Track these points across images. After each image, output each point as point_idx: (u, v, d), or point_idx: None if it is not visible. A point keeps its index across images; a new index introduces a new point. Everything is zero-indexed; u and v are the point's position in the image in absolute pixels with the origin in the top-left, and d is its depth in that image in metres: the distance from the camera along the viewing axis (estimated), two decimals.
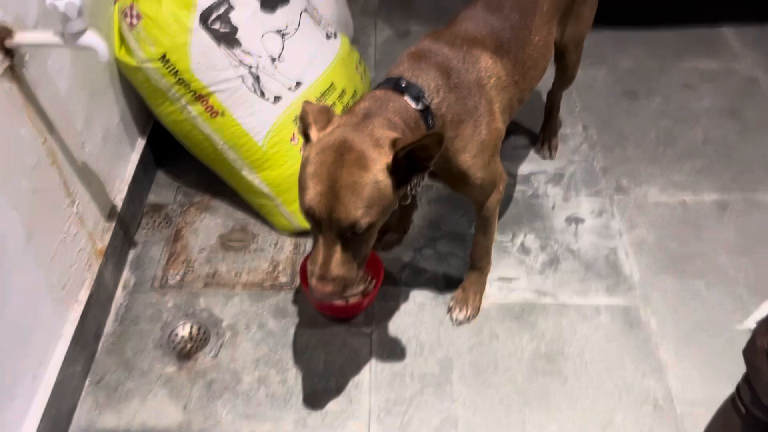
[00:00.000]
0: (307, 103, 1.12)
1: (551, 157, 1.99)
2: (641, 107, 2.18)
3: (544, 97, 1.99)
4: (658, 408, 1.43)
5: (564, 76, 1.78)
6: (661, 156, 2.00)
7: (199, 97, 1.58)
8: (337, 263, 1.09)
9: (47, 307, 1.32)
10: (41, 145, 1.30)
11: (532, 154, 2.01)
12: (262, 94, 1.60)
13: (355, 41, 2.34)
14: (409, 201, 1.32)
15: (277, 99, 1.62)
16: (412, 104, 1.15)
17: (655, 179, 1.93)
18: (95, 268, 1.52)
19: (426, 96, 1.16)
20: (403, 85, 1.16)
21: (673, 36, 2.47)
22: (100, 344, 1.53)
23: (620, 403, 1.44)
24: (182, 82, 1.55)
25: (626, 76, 2.30)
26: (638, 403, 1.44)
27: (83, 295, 1.46)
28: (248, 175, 1.67)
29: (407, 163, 1.07)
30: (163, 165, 1.95)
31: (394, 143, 1.05)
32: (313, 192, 1.06)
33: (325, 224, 1.07)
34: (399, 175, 1.08)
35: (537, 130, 2.04)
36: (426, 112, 1.16)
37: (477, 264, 1.57)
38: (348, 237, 1.08)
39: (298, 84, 1.65)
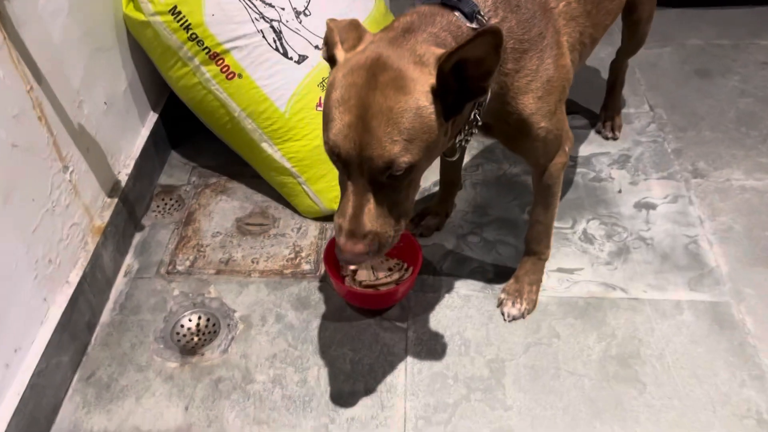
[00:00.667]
0: (331, 20, 0.91)
1: (615, 137, 1.74)
2: (716, 86, 1.92)
3: (603, 73, 1.76)
4: (763, 423, 1.15)
5: (634, 37, 1.53)
6: (744, 137, 1.74)
7: (214, 55, 1.39)
8: (371, 216, 0.87)
9: (27, 284, 1.13)
10: (26, 93, 1.12)
11: (592, 134, 1.77)
12: (285, 53, 1.41)
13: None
14: (456, 156, 1.11)
15: (302, 58, 1.42)
16: (465, 22, 0.92)
17: (739, 162, 1.67)
18: (91, 247, 1.32)
19: (482, 14, 0.93)
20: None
21: (745, 14, 2.21)
22: (95, 335, 1.32)
23: (715, 416, 1.17)
24: (195, 38, 1.37)
25: (695, 54, 2.05)
26: (737, 417, 1.17)
27: (74, 276, 1.26)
28: (268, 148, 1.47)
29: (458, 85, 0.84)
30: (178, 146, 1.77)
31: (440, 59, 0.83)
32: (339, 124, 0.84)
33: (354, 166, 0.85)
34: (448, 101, 0.85)
35: (597, 108, 1.80)
36: None
37: (534, 248, 1.33)
38: (383, 183, 0.87)
39: None
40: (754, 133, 1.75)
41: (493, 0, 0.95)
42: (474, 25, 0.92)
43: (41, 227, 1.17)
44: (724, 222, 1.51)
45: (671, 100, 1.88)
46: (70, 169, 1.26)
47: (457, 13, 0.92)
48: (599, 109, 1.79)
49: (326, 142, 0.87)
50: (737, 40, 2.10)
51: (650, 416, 1.17)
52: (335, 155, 0.86)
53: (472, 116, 0.98)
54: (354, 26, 0.91)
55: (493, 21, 0.94)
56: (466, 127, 0.99)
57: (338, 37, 0.89)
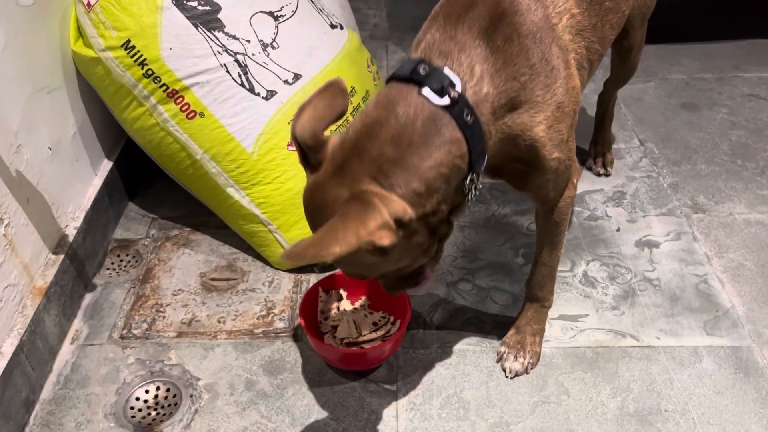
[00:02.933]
0: (292, 120, 0.83)
1: (607, 173, 1.64)
2: (705, 119, 1.84)
3: (589, 109, 1.67)
4: None
5: (625, 65, 1.43)
6: (741, 169, 1.65)
7: (173, 93, 1.26)
8: None
9: None
10: None
11: (584, 172, 1.66)
12: (252, 89, 1.28)
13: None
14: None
15: (270, 94, 1.30)
16: (435, 100, 0.79)
17: (740, 195, 1.57)
18: (30, 311, 1.15)
19: (456, 84, 0.80)
20: (422, 73, 0.80)
21: (725, 48, 2.17)
22: (33, 414, 1.13)
23: None
24: (151, 75, 1.24)
25: (680, 88, 1.98)
26: None
27: (9, 346, 1.08)
28: (235, 193, 1.33)
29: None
30: (135, 197, 1.62)
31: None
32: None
33: None
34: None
35: (585, 144, 1.70)
36: (457, 106, 0.79)
37: (537, 294, 1.19)
38: None
39: (296, 76, 1.33)
40: (751, 165, 1.66)
41: (468, 54, 0.82)
42: (444, 102, 0.79)
43: None
44: (734, 259, 1.40)
45: (661, 134, 1.79)
46: (5, 222, 1.10)
47: (425, 91, 0.79)
48: (588, 145, 1.69)
49: None
50: (721, 73, 2.04)
51: None
52: None
53: (467, 191, 0.87)
54: (314, 136, 0.82)
55: (470, 86, 0.81)
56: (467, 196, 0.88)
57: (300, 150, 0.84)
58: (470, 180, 0.85)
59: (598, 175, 1.64)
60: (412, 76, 0.80)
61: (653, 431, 1.09)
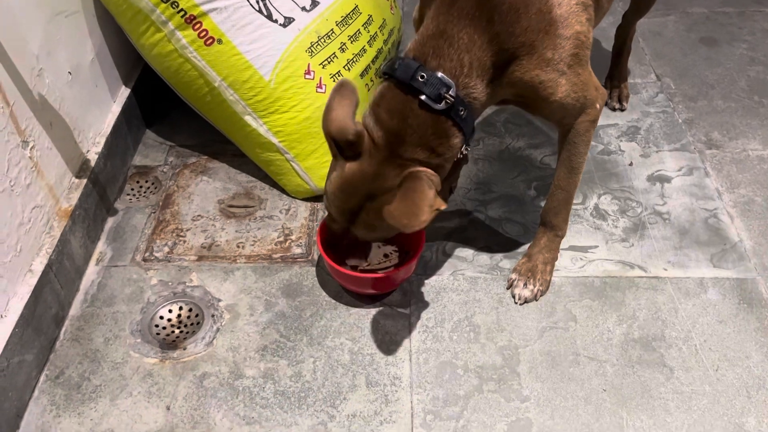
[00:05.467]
0: (322, 122, 0.98)
1: (622, 108, 1.64)
2: (724, 55, 1.82)
3: (604, 43, 1.65)
4: None
5: None
6: (758, 106, 1.64)
7: (191, 19, 1.25)
8: None
9: None
10: None
11: None
12: (270, 15, 1.28)
13: None
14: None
15: (288, 21, 1.29)
16: (435, 106, 0.94)
17: (755, 132, 1.57)
18: (57, 232, 1.18)
19: (450, 87, 0.94)
20: (420, 80, 0.94)
21: None
22: (63, 329, 1.19)
23: (750, 401, 1.07)
24: (169, 0, 1.23)
25: (700, 22, 1.95)
26: None
27: (38, 265, 1.13)
28: (253, 122, 1.34)
29: None
30: (153, 124, 1.63)
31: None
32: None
33: None
34: None
35: (601, 79, 1.69)
36: (453, 108, 0.95)
37: (552, 221, 1.21)
38: None
39: (314, 3, 1.32)
40: None
41: (457, 47, 0.93)
42: (442, 107, 0.94)
43: None
44: (744, 194, 1.42)
45: (678, 69, 1.78)
46: (31, 144, 1.13)
47: (425, 98, 0.94)
48: (604, 79, 1.68)
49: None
50: (742, 8, 2.00)
51: (680, 404, 1.07)
52: None
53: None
54: (344, 129, 0.96)
55: (461, 81, 0.95)
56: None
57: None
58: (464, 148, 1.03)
59: (613, 109, 1.64)
60: (412, 83, 0.94)
61: (656, 356, 1.14)
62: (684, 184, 1.45)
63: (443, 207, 0.91)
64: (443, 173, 1.00)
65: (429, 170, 0.95)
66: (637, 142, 1.56)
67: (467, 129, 0.99)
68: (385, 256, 1.28)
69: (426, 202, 0.90)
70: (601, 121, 1.61)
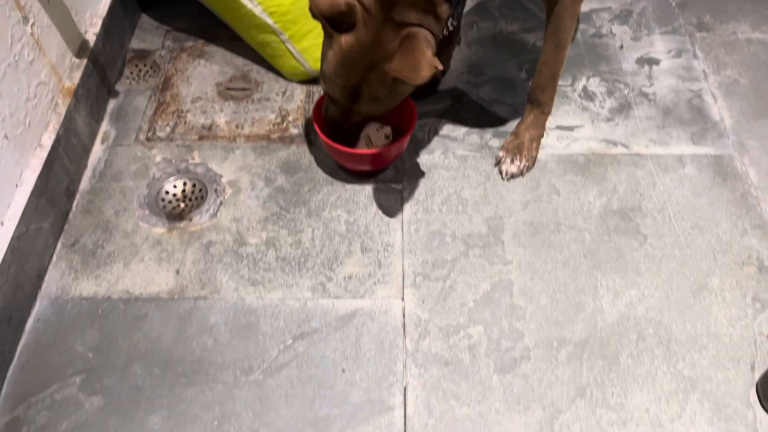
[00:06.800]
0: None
1: None
2: None
3: None
4: (764, 270, 1.15)
5: None
6: None
7: None
8: None
9: None
10: None
11: None
12: None
13: None
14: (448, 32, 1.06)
15: None
16: None
17: (746, 15, 1.58)
18: (62, 109, 1.23)
19: None
20: None
21: None
22: (75, 202, 1.26)
23: (715, 264, 1.16)
24: None
25: None
26: (738, 264, 1.16)
27: (47, 139, 1.18)
28: (247, 2, 1.35)
29: None
30: (148, 8, 1.63)
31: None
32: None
33: None
34: None
35: None
36: None
37: (539, 97, 1.26)
38: None
39: None
40: None
41: None
42: None
43: (5, 82, 1.07)
44: (730, 76, 1.45)
45: None
46: (31, 21, 1.15)
47: None
48: None
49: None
50: None
51: (651, 266, 1.16)
52: None
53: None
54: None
55: None
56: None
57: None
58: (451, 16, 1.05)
59: None
60: None
61: (632, 225, 1.22)
62: (672, 66, 1.48)
63: (441, 67, 0.94)
64: (435, 40, 1.03)
65: (425, 30, 0.98)
66: (629, 25, 1.57)
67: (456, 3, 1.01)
68: (386, 137, 1.33)
69: (425, 60, 0.93)
70: (594, 5, 1.62)
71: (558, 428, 0.98)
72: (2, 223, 1.05)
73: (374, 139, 1.32)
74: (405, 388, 1.03)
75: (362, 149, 1.26)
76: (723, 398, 1.01)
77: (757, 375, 1.03)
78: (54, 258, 1.18)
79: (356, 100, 1.09)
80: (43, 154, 1.16)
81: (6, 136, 1.07)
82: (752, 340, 1.07)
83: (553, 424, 0.99)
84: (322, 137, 1.23)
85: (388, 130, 1.34)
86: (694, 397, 1.01)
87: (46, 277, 1.15)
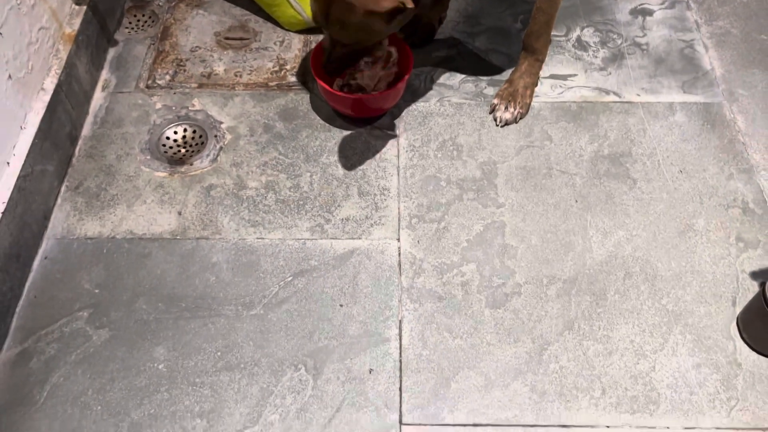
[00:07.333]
0: None
1: None
2: None
3: None
4: (749, 212, 1.19)
5: None
6: None
7: None
8: None
9: (1, 84, 1.07)
10: None
11: None
12: None
13: None
14: None
15: None
16: None
17: None
18: (63, 54, 1.25)
19: None
20: None
21: None
22: (77, 147, 1.28)
23: (701, 206, 1.20)
24: None
25: None
26: (723, 207, 1.19)
27: (50, 84, 1.20)
28: None
29: None
30: None
31: None
32: None
33: None
34: None
35: None
36: None
37: (533, 44, 1.28)
38: None
39: None
40: None
41: None
42: None
43: (8, 25, 1.08)
44: (722, 26, 1.47)
45: None
46: None
47: None
48: None
49: None
50: None
51: (639, 209, 1.20)
52: None
53: None
54: None
55: None
56: None
57: None
58: None
59: None
60: None
61: (622, 170, 1.25)
62: (665, 17, 1.50)
63: (409, 5, 0.94)
64: None
65: None
66: None
67: None
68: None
69: None
70: None
71: (546, 358, 1.03)
72: (8, 163, 1.08)
73: (380, 80, 1.33)
74: (400, 322, 1.07)
75: (357, 94, 1.29)
76: (704, 331, 1.06)
77: (738, 310, 1.07)
78: (59, 200, 1.21)
79: (328, 22, 1.08)
80: (45, 97, 1.18)
81: (10, 77, 1.09)
82: (734, 277, 1.11)
83: (542, 354, 1.03)
84: (319, 82, 1.25)
85: (394, 70, 1.33)
86: (677, 330, 1.06)
87: (52, 218, 1.18)
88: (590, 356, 1.03)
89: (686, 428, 0.96)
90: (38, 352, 1.03)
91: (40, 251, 1.14)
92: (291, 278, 1.12)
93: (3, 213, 1.03)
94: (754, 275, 1.11)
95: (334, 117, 1.34)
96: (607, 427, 0.97)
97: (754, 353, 1.03)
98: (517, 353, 1.04)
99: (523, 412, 0.98)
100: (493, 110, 1.33)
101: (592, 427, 0.97)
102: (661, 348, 1.04)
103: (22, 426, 0.96)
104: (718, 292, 1.10)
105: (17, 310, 1.08)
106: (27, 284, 1.11)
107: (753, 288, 1.10)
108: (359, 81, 1.29)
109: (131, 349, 1.04)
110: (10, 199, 1.05)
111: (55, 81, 1.21)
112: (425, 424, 0.97)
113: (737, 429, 0.96)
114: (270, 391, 1.00)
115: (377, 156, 1.28)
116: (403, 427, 0.97)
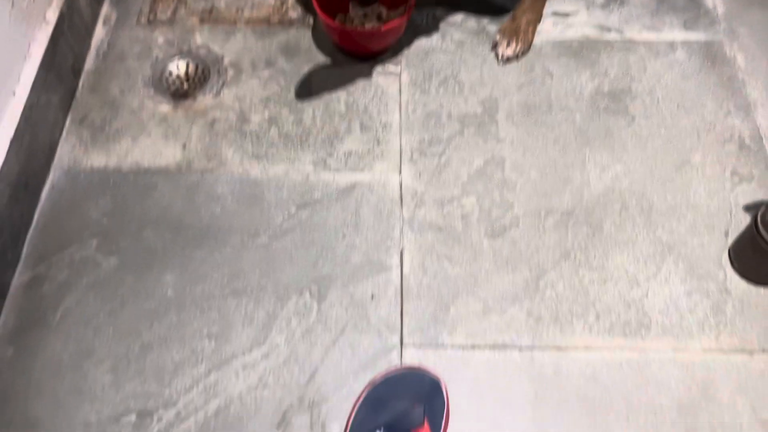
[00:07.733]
0: None
1: None
2: None
3: None
4: (745, 147, 1.21)
5: None
6: None
7: None
8: None
9: (4, 12, 1.07)
10: None
11: None
12: None
13: None
14: None
15: None
16: None
17: None
18: None
19: None
20: None
21: None
22: (81, 81, 1.29)
23: (698, 142, 1.21)
24: None
25: None
26: (720, 142, 1.21)
27: (51, 15, 1.20)
28: None
29: None
30: None
31: None
32: None
33: None
34: None
35: None
36: None
37: None
38: None
39: None
40: None
41: None
42: None
43: None
44: None
45: None
46: None
47: None
48: None
49: None
50: None
51: (637, 143, 1.21)
52: None
53: None
54: None
55: None
56: None
57: None
58: None
59: None
60: None
61: (621, 106, 1.26)
62: None
63: None
64: None
65: None
66: None
67: None
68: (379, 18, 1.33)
69: None
70: None
71: (543, 285, 1.06)
72: (14, 93, 1.09)
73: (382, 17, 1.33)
74: (402, 251, 1.10)
75: (361, 28, 1.29)
76: (697, 260, 1.09)
77: (731, 241, 1.10)
78: (64, 133, 1.22)
79: None
80: (48, 29, 1.18)
81: (13, 5, 1.09)
82: (728, 210, 1.14)
83: (538, 282, 1.07)
84: (321, 14, 1.25)
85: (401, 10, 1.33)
86: (670, 259, 1.09)
87: (58, 150, 1.20)
88: (585, 284, 1.07)
89: (676, 349, 1.01)
90: (50, 278, 1.06)
91: (48, 181, 1.16)
92: (295, 210, 1.14)
93: (11, 141, 1.05)
94: (747, 208, 1.14)
95: (335, 53, 1.34)
96: (600, 348, 1.01)
97: (743, 282, 1.07)
98: (515, 281, 1.07)
99: (519, 335, 1.02)
100: (495, 46, 1.33)
101: (586, 348, 1.01)
102: (654, 276, 1.07)
103: (38, 345, 1.00)
104: (712, 224, 1.13)
105: (27, 237, 1.10)
106: (36, 213, 1.13)
107: (745, 220, 1.12)
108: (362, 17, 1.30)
109: (140, 275, 1.07)
110: (17, 128, 1.06)
111: (57, 13, 1.21)
112: (425, 345, 1.01)
113: (724, 351, 1.01)
114: (276, 315, 1.04)
115: (379, 91, 1.29)
116: (404, 347, 1.01)
